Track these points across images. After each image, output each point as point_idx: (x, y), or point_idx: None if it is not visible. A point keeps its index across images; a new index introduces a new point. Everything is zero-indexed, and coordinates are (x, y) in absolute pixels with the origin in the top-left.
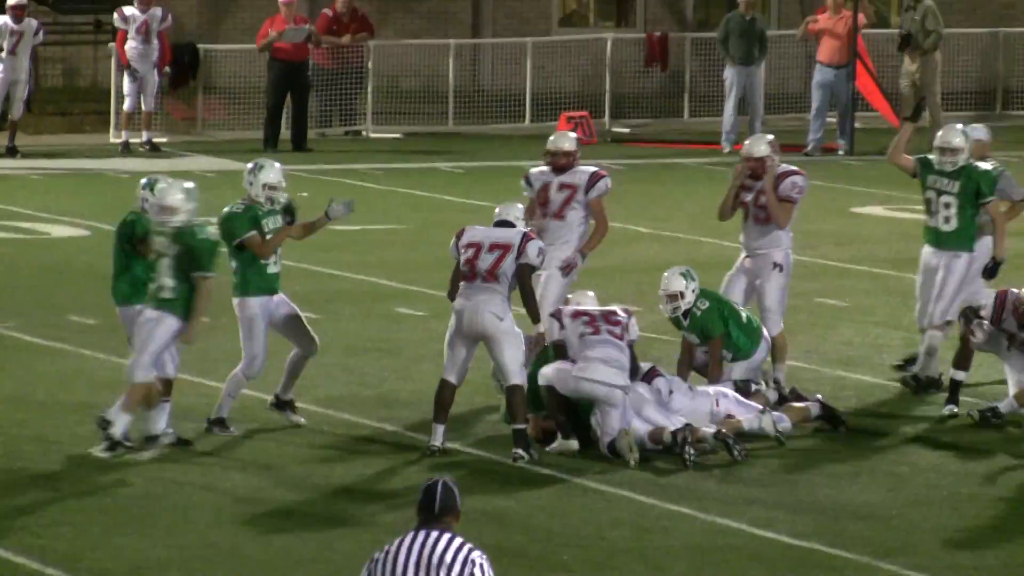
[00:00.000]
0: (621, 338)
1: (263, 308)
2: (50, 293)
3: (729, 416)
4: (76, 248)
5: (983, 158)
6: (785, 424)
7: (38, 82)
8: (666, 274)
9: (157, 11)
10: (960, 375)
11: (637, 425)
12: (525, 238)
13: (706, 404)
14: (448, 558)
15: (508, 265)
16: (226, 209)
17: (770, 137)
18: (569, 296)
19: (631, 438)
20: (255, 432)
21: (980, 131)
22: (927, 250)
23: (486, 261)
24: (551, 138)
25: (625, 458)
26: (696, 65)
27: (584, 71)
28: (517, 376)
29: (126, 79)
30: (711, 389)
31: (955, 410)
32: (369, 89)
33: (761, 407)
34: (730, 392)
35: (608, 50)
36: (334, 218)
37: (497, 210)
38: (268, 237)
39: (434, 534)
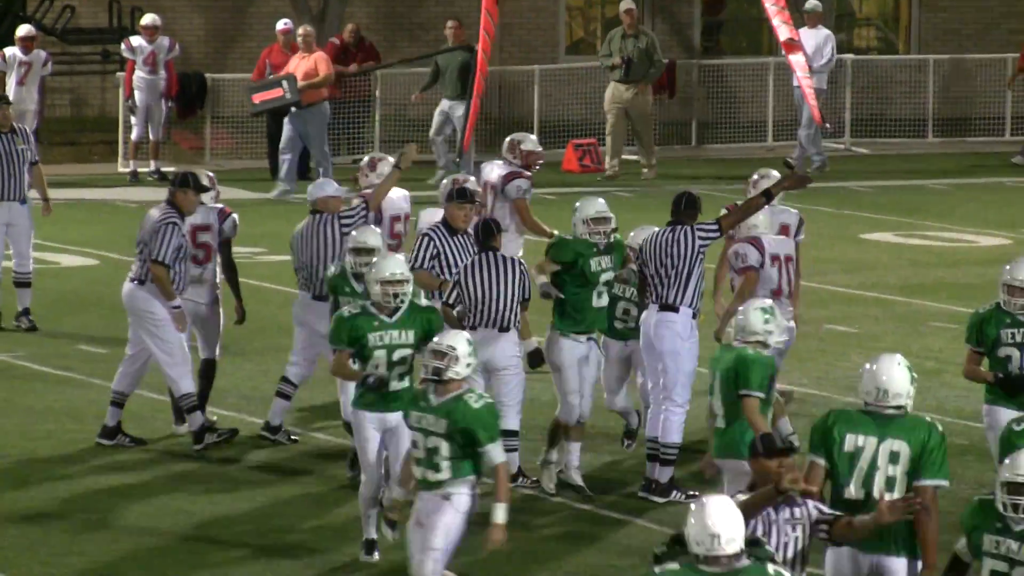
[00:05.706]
0: None
1: None
2: (59, 323)
3: None
4: (85, 278)
5: None
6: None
7: (42, 113)
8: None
9: (164, 41)
10: None
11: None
12: None
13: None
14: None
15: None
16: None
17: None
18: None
19: None
20: (268, 463)
21: None
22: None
23: None
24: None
25: None
26: (704, 92)
27: (591, 98)
28: None
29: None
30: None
31: None
32: (376, 117)
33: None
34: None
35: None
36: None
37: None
38: None
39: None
